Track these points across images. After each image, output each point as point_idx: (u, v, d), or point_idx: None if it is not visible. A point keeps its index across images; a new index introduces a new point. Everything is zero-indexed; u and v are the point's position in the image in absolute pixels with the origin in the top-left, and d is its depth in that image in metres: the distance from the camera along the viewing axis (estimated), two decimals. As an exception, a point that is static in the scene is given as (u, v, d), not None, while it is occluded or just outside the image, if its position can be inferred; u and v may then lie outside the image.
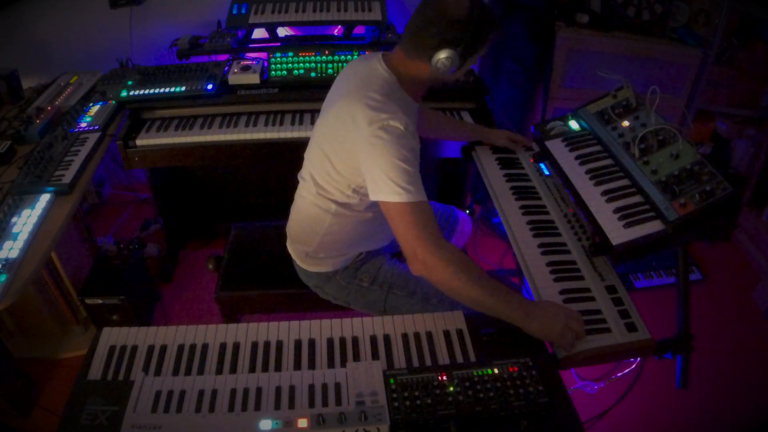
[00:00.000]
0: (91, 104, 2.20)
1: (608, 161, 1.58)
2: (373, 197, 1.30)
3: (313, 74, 2.28)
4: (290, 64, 2.30)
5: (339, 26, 2.53)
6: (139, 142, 2.11)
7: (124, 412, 1.06)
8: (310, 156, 1.51)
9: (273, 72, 2.30)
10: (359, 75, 1.40)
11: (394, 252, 1.84)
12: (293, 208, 1.62)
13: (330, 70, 2.28)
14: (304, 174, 1.54)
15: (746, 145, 2.78)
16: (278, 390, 1.12)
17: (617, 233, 1.38)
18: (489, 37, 1.33)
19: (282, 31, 2.55)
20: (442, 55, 1.28)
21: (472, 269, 1.25)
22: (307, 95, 2.23)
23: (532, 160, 1.83)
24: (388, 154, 1.25)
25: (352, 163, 1.34)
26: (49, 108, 2.13)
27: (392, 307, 1.59)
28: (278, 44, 2.46)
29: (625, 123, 1.62)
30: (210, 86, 2.21)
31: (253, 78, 2.28)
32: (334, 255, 1.58)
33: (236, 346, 1.25)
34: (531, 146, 1.88)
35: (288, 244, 1.68)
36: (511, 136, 1.90)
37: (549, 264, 1.46)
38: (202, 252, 2.78)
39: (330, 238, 1.53)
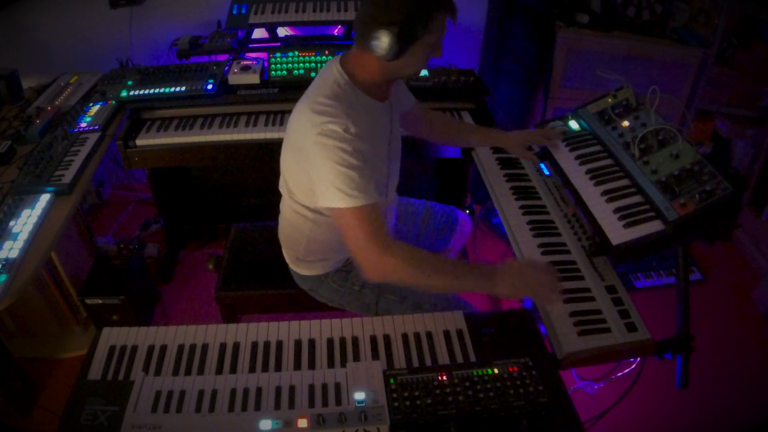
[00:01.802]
0: (91, 104, 2.20)
1: (608, 161, 1.58)
2: (320, 203, 1.29)
3: (313, 74, 2.28)
4: (290, 64, 2.30)
5: (339, 26, 2.53)
6: (139, 142, 2.11)
7: (124, 412, 1.06)
8: (282, 164, 1.50)
9: (273, 72, 2.30)
10: (316, 80, 1.39)
11: None
12: (280, 216, 1.63)
13: (330, 70, 2.28)
14: (281, 182, 1.54)
15: (746, 145, 2.78)
16: (278, 390, 1.12)
17: (617, 233, 1.38)
18: (431, 17, 1.22)
19: (282, 31, 2.55)
20: (378, 38, 1.21)
21: (425, 260, 1.25)
22: (307, 95, 2.23)
23: (532, 160, 1.83)
24: (328, 160, 1.23)
25: (305, 168, 1.33)
26: (49, 108, 2.13)
27: (384, 311, 1.58)
28: (278, 44, 2.46)
29: (625, 123, 1.62)
30: (210, 86, 2.21)
31: (253, 78, 2.28)
32: (322, 258, 1.58)
33: (236, 346, 1.25)
34: (550, 143, 1.72)
35: (282, 249, 1.68)
36: (526, 139, 1.76)
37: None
38: (202, 252, 2.78)
39: (314, 243, 1.54)
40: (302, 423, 1.04)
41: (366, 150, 1.27)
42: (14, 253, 1.51)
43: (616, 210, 1.43)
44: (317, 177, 1.27)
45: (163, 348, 1.24)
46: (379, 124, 1.39)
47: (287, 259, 1.67)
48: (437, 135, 1.82)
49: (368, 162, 1.26)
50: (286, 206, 1.55)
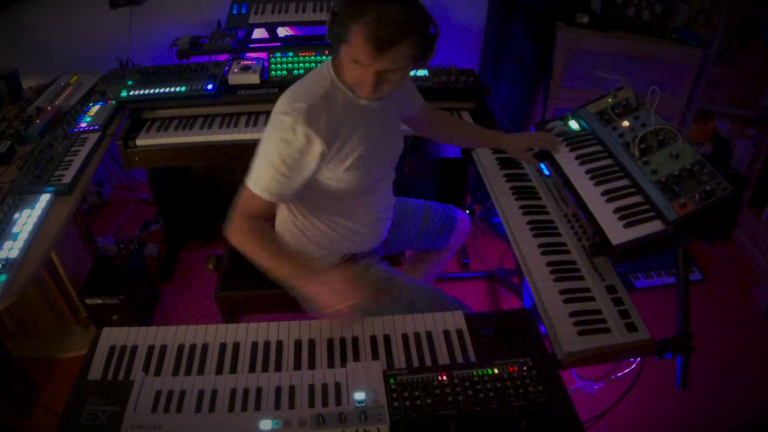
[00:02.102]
0: (91, 104, 2.20)
1: (608, 161, 1.58)
2: None
3: (313, 74, 2.28)
4: (290, 64, 2.30)
5: (339, 26, 2.53)
6: (139, 142, 2.11)
7: (124, 412, 1.06)
8: None
9: (273, 72, 2.30)
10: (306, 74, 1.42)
11: (385, 255, 1.83)
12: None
13: (330, 70, 2.28)
14: None
15: (746, 145, 2.78)
16: (278, 390, 1.12)
17: (617, 233, 1.38)
18: (347, 26, 1.17)
19: (282, 31, 2.55)
20: (338, 48, 1.25)
21: (251, 247, 1.34)
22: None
23: (532, 160, 1.83)
24: (265, 141, 1.31)
25: None
26: (49, 108, 2.13)
27: (378, 312, 1.57)
28: (278, 44, 2.46)
29: (625, 123, 1.62)
30: (210, 86, 2.21)
31: (253, 78, 2.28)
32: (314, 257, 1.59)
33: (236, 346, 1.25)
34: (553, 148, 1.70)
35: None
36: (529, 142, 1.74)
37: (549, 264, 1.46)
38: (202, 252, 2.78)
39: (301, 240, 1.55)
40: (302, 423, 1.04)
41: (300, 158, 1.29)
42: (14, 253, 1.51)
43: (616, 210, 1.43)
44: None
45: (163, 348, 1.24)
46: (364, 122, 1.37)
47: None
48: (441, 135, 1.82)
49: (288, 167, 1.29)
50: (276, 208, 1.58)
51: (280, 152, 1.28)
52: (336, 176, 1.37)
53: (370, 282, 1.59)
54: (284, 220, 1.58)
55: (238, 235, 1.36)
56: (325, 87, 1.31)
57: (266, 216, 1.40)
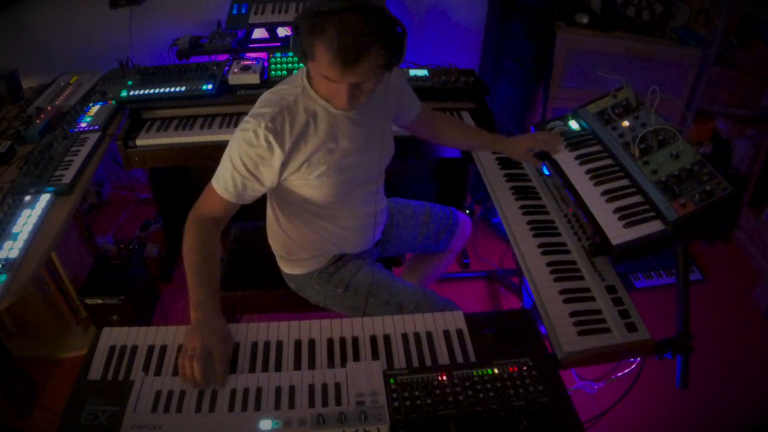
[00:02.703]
0: (91, 104, 2.20)
1: (608, 161, 1.58)
2: None
3: (313, 74, 2.28)
4: (290, 64, 2.30)
5: (339, 26, 2.53)
6: (139, 142, 2.11)
7: (124, 412, 1.06)
8: None
9: (273, 72, 2.30)
10: None
11: (385, 257, 1.83)
12: (266, 215, 1.65)
13: (330, 70, 2.28)
14: None
15: (746, 145, 2.78)
16: (278, 390, 1.12)
17: (617, 233, 1.38)
18: (315, 43, 1.14)
19: (282, 31, 2.55)
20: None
21: (193, 249, 1.31)
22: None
23: (532, 160, 1.83)
24: (229, 145, 1.33)
25: None
26: (49, 108, 2.13)
27: (369, 314, 1.57)
28: (278, 44, 2.45)
29: (625, 123, 1.62)
30: (210, 86, 2.21)
31: (253, 78, 2.28)
32: (303, 257, 1.59)
33: (236, 347, 1.25)
34: (554, 150, 1.68)
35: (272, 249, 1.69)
36: (530, 143, 1.72)
37: (549, 264, 1.46)
38: (202, 252, 2.78)
39: (292, 240, 1.55)
40: (302, 423, 1.04)
41: (263, 159, 1.29)
42: (14, 253, 1.51)
43: (616, 210, 1.43)
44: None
45: (163, 348, 1.24)
46: (340, 129, 1.35)
47: (276, 258, 1.68)
48: (443, 138, 1.79)
49: (248, 169, 1.30)
50: (268, 206, 1.58)
51: (241, 153, 1.30)
52: (307, 182, 1.37)
53: (355, 286, 1.58)
54: (271, 222, 1.59)
55: (186, 232, 1.35)
56: (294, 95, 1.32)
57: (225, 218, 1.39)
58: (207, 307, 1.25)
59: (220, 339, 1.20)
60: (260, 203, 2.72)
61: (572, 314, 1.31)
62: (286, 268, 1.65)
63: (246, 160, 1.30)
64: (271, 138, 1.27)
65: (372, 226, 1.61)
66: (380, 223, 1.66)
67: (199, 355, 1.13)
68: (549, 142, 1.70)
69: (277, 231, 1.58)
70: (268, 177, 1.33)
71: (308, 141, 1.32)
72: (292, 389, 1.12)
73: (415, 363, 1.22)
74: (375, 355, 1.24)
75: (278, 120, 1.29)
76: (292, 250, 1.59)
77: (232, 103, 2.23)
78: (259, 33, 2.50)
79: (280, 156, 1.29)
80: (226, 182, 1.33)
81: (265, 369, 1.21)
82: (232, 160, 1.31)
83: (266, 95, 1.36)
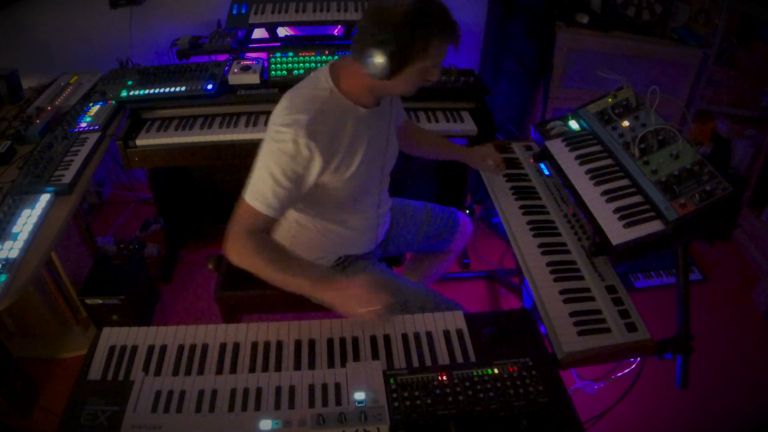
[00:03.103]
0: (91, 104, 2.20)
1: (608, 161, 1.58)
2: None
3: (313, 74, 2.28)
4: (290, 64, 2.30)
5: (339, 26, 2.53)
6: (139, 142, 2.11)
7: (124, 412, 1.06)
8: None
9: (273, 72, 2.30)
10: (303, 79, 1.40)
11: (385, 256, 1.83)
12: None
13: (330, 70, 2.28)
14: None
15: (746, 145, 2.78)
16: (278, 390, 1.12)
17: (617, 233, 1.37)
18: (430, 44, 1.21)
19: (282, 31, 2.55)
20: (372, 57, 1.20)
21: (265, 255, 1.28)
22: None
23: (532, 160, 1.83)
24: (263, 156, 1.28)
25: None
26: (49, 108, 2.13)
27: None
28: (278, 44, 2.46)
29: (625, 123, 1.62)
30: (210, 86, 2.21)
31: (253, 78, 2.28)
32: (308, 259, 1.58)
33: (236, 346, 1.25)
34: (501, 172, 1.80)
35: None
36: (489, 158, 1.80)
37: (549, 264, 1.46)
38: (202, 252, 2.78)
39: (299, 244, 1.54)
40: (302, 423, 1.04)
41: (303, 167, 1.27)
42: (14, 253, 1.51)
43: (616, 210, 1.43)
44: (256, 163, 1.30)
45: (163, 348, 1.24)
46: (363, 130, 1.36)
47: None
48: (412, 148, 1.80)
49: (289, 179, 1.27)
50: None
51: (283, 167, 1.25)
52: (335, 185, 1.37)
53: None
54: (281, 222, 1.56)
55: (240, 253, 1.29)
56: (323, 97, 1.30)
57: (267, 231, 1.35)
58: (324, 275, 1.31)
59: (346, 287, 1.25)
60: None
61: (572, 314, 1.31)
62: None
63: (290, 174, 1.26)
64: (312, 145, 1.24)
65: (377, 227, 1.62)
66: (385, 223, 1.67)
67: (372, 287, 1.22)
68: (497, 162, 1.79)
69: (285, 233, 1.55)
70: (309, 184, 1.31)
71: (341, 143, 1.32)
72: (292, 389, 1.12)
73: (415, 363, 1.22)
74: (375, 355, 1.24)
75: (315, 125, 1.25)
76: (297, 252, 1.57)
77: (232, 103, 2.23)
78: (259, 33, 2.50)
79: (320, 162, 1.28)
80: (267, 199, 1.27)
81: (265, 369, 1.21)
82: (273, 175, 1.26)
83: (292, 100, 1.31)
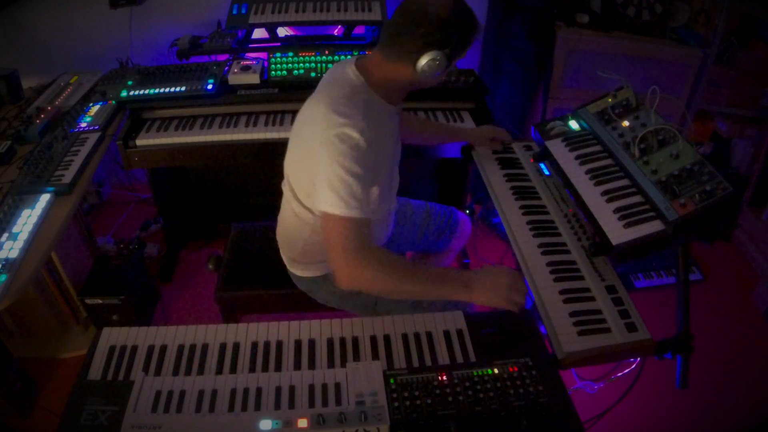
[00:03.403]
0: (91, 104, 2.20)
1: (608, 161, 1.58)
2: (315, 204, 1.28)
3: (313, 74, 2.28)
4: (290, 64, 2.30)
5: (339, 26, 2.53)
6: (139, 142, 2.11)
7: (124, 412, 1.06)
8: (287, 163, 1.50)
9: (273, 72, 2.30)
10: (329, 78, 1.40)
11: None
12: (279, 216, 1.62)
13: (330, 70, 2.28)
14: (285, 182, 1.53)
15: (746, 145, 2.78)
16: (278, 390, 1.12)
17: (617, 233, 1.37)
18: (473, 38, 1.29)
19: (282, 31, 2.55)
20: (429, 57, 1.22)
21: (401, 268, 1.25)
22: (307, 95, 2.19)
23: (532, 160, 1.83)
24: (334, 162, 1.21)
25: (308, 167, 1.32)
26: (49, 108, 2.13)
27: (384, 311, 1.58)
28: (278, 44, 2.45)
29: (625, 123, 1.62)
30: (210, 86, 2.21)
31: (253, 78, 2.28)
32: (318, 260, 1.58)
33: (236, 346, 1.25)
34: (509, 141, 1.86)
35: (280, 250, 1.68)
36: (490, 134, 1.86)
37: (549, 264, 1.46)
38: (202, 252, 2.78)
39: (311, 246, 1.53)
40: (302, 423, 1.04)
41: (374, 158, 1.25)
42: (14, 253, 1.51)
43: (616, 210, 1.43)
44: (319, 177, 1.25)
45: (163, 348, 1.24)
46: (389, 127, 1.39)
47: (284, 260, 1.66)
48: (421, 136, 1.83)
49: (371, 172, 1.24)
50: (286, 207, 1.55)
51: (359, 162, 1.21)
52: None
53: None
54: (294, 227, 1.52)
55: (372, 273, 1.21)
56: (362, 97, 1.31)
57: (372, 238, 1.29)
58: (466, 276, 1.29)
59: (499, 280, 1.27)
60: (259, 204, 2.73)
61: (572, 314, 1.31)
62: (298, 271, 1.62)
63: (370, 166, 1.23)
64: (372, 139, 1.23)
65: (388, 226, 1.63)
66: (393, 222, 1.67)
67: (519, 288, 1.27)
68: (498, 137, 1.85)
69: (298, 235, 1.52)
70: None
71: (384, 139, 1.33)
72: (292, 389, 1.12)
73: (415, 363, 1.22)
74: (375, 355, 1.24)
75: (368, 120, 1.24)
76: (311, 253, 1.56)
77: (232, 103, 2.23)
78: (259, 33, 2.50)
79: (371, 151, 1.26)
80: (361, 201, 1.21)
81: (265, 369, 1.21)
82: (356, 174, 1.20)
83: (336, 102, 1.27)
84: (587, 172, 1.57)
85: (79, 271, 2.22)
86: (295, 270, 1.63)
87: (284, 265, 1.69)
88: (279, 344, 1.26)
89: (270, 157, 2.18)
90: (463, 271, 1.30)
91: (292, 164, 1.46)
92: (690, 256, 2.62)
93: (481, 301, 1.27)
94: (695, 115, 2.72)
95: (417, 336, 1.28)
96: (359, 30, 2.53)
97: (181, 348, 1.25)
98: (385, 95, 1.35)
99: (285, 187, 1.54)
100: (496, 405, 1.07)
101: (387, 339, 1.27)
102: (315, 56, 2.29)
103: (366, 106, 1.28)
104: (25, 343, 2.21)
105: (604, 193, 1.49)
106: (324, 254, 1.54)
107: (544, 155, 1.73)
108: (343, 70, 1.36)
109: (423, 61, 1.23)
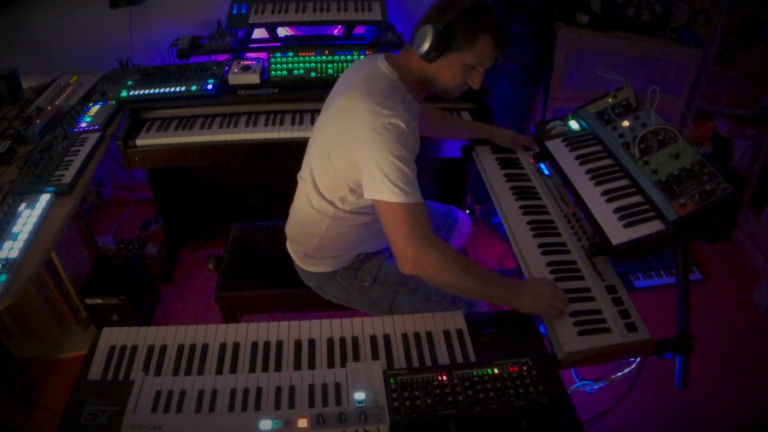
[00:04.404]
0: (91, 104, 2.20)
1: (608, 161, 1.58)
2: (367, 195, 1.30)
3: (313, 74, 2.28)
4: (290, 64, 2.30)
5: (339, 26, 2.53)
6: (139, 142, 2.11)
7: (124, 412, 1.06)
8: (310, 155, 1.51)
9: (273, 72, 2.30)
10: (362, 73, 1.40)
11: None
12: (292, 209, 1.62)
13: (330, 70, 2.28)
14: (304, 174, 1.53)
15: (746, 145, 2.78)
16: (278, 390, 1.12)
17: (617, 233, 1.37)
18: (477, 36, 1.29)
19: (282, 31, 2.55)
20: (422, 33, 1.29)
21: (462, 262, 1.28)
22: (307, 95, 2.23)
23: (532, 160, 1.83)
24: (387, 152, 1.24)
25: (351, 158, 1.33)
26: (49, 108, 2.13)
27: (397, 306, 1.59)
28: (278, 44, 2.46)
29: (625, 123, 1.62)
30: (210, 86, 2.21)
31: (253, 78, 2.28)
32: (332, 256, 1.58)
33: (236, 346, 1.25)
34: (532, 147, 1.87)
35: (288, 244, 1.68)
36: (513, 137, 1.89)
37: (549, 264, 1.46)
38: (202, 252, 2.78)
39: (328, 240, 1.53)
40: (302, 423, 1.04)
41: (417, 149, 1.32)
42: (14, 253, 1.51)
43: (616, 210, 1.43)
44: (369, 168, 1.27)
45: (163, 348, 1.24)
46: (416, 122, 1.40)
47: (294, 256, 1.66)
48: (436, 130, 1.84)
49: (414, 161, 1.30)
50: (303, 202, 1.54)
51: (408, 148, 1.27)
52: None
53: (383, 278, 1.60)
54: (312, 221, 1.52)
55: (437, 260, 1.25)
56: (398, 91, 1.35)
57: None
58: (515, 284, 1.31)
59: (543, 291, 1.29)
60: (259, 204, 2.73)
61: (572, 314, 1.31)
62: (309, 266, 1.62)
63: (411, 153, 1.29)
64: (414, 128, 1.30)
65: None
66: None
67: (560, 297, 1.29)
68: (521, 141, 1.88)
69: (315, 229, 1.52)
70: None
71: (416, 129, 1.36)
72: (292, 389, 1.12)
73: (415, 363, 1.22)
74: (375, 355, 1.24)
75: (408, 111, 1.30)
76: (326, 248, 1.56)
77: (232, 103, 2.23)
78: (259, 33, 2.50)
79: (415, 140, 1.33)
80: (415, 185, 1.27)
81: (265, 369, 1.21)
82: (407, 159, 1.26)
83: (373, 94, 1.30)
84: (587, 172, 1.57)
85: (79, 271, 2.22)
86: (306, 266, 1.62)
87: (285, 265, 1.69)
88: (279, 344, 1.26)
89: (270, 157, 2.19)
90: (513, 281, 1.33)
91: (316, 158, 1.46)
92: (690, 256, 2.63)
93: (525, 308, 1.30)
94: (695, 115, 2.72)
95: (417, 336, 1.28)
96: (359, 30, 2.53)
97: (181, 348, 1.25)
98: (413, 91, 1.40)
99: (303, 181, 1.53)
100: (496, 405, 1.07)
101: (387, 339, 1.27)
102: (315, 56, 2.29)
103: (403, 99, 1.33)
104: (25, 343, 2.21)
105: (604, 193, 1.49)
106: (339, 249, 1.56)
107: (544, 155, 1.74)
108: (377, 65, 1.39)
109: (418, 36, 1.30)
